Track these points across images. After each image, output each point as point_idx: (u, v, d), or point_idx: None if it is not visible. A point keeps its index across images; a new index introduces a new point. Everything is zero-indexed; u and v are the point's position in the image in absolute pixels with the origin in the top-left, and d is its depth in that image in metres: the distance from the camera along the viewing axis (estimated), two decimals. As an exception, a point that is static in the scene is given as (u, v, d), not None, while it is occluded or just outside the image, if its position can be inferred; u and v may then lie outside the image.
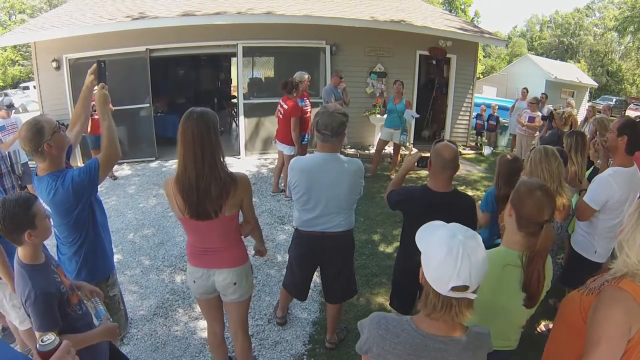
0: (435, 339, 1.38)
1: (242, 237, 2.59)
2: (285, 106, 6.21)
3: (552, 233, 1.94)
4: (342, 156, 2.88)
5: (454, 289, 1.28)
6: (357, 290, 3.44)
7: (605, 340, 1.50)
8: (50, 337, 1.25)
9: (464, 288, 1.28)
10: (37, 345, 1.24)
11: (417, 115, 8.32)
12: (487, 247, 2.07)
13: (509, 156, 3.34)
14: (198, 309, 3.79)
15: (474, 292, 1.31)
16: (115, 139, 2.47)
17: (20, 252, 1.90)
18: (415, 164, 2.85)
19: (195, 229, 2.40)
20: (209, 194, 2.21)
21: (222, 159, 2.26)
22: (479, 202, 3.43)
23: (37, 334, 1.81)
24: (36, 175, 2.34)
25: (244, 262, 2.53)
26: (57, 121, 2.36)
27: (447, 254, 1.28)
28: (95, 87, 2.60)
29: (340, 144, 2.92)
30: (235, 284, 2.49)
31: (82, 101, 2.70)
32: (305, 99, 6.60)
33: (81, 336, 2.00)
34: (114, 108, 6.52)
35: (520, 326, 2.00)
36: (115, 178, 7.54)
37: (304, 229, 3.00)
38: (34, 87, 15.15)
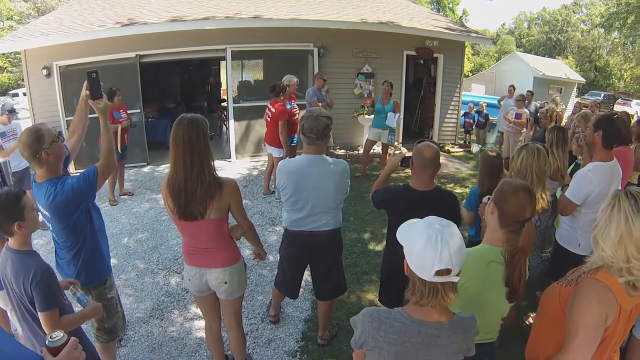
0: (427, 325, 1.47)
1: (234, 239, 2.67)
2: (273, 109, 6.27)
3: (534, 231, 2.03)
4: (327, 157, 2.96)
5: (437, 273, 1.37)
6: (347, 287, 3.53)
7: (583, 330, 1.56)
8: (59, 334, 1.33)
9: (447, 271, 1.37)
10: (47, 342, 1.31)
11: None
12: (474, 244, 2.16)
13: (490, 152, 3.43)
14: (193, 310, 3.87)
15: (457, 275, 1.40)
16: (113, 151, 2.60)
17: (12, 241, 2.04)
18: (399, 163, 2.91)
19: (186, 229, 2.51)
20: (194, 197, 2.31)
21: (210, 163, 2.36)
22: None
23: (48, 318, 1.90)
24: (34, 182, 2.41)
25: (234, 262, 2.61)
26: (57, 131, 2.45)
27: (426, 242, 1.37)
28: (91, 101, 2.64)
29: (325, 146, 3.00)
30: (226, 283, 2.59)
31: (79, 113, 2.79)
32: (293, 101, 6.68)
33: (74, 316, 2.18)
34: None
35: (502, 318, 2.06)
36: None
37: (293, 229, 3.09)
38: (24, 94, 15.00)
